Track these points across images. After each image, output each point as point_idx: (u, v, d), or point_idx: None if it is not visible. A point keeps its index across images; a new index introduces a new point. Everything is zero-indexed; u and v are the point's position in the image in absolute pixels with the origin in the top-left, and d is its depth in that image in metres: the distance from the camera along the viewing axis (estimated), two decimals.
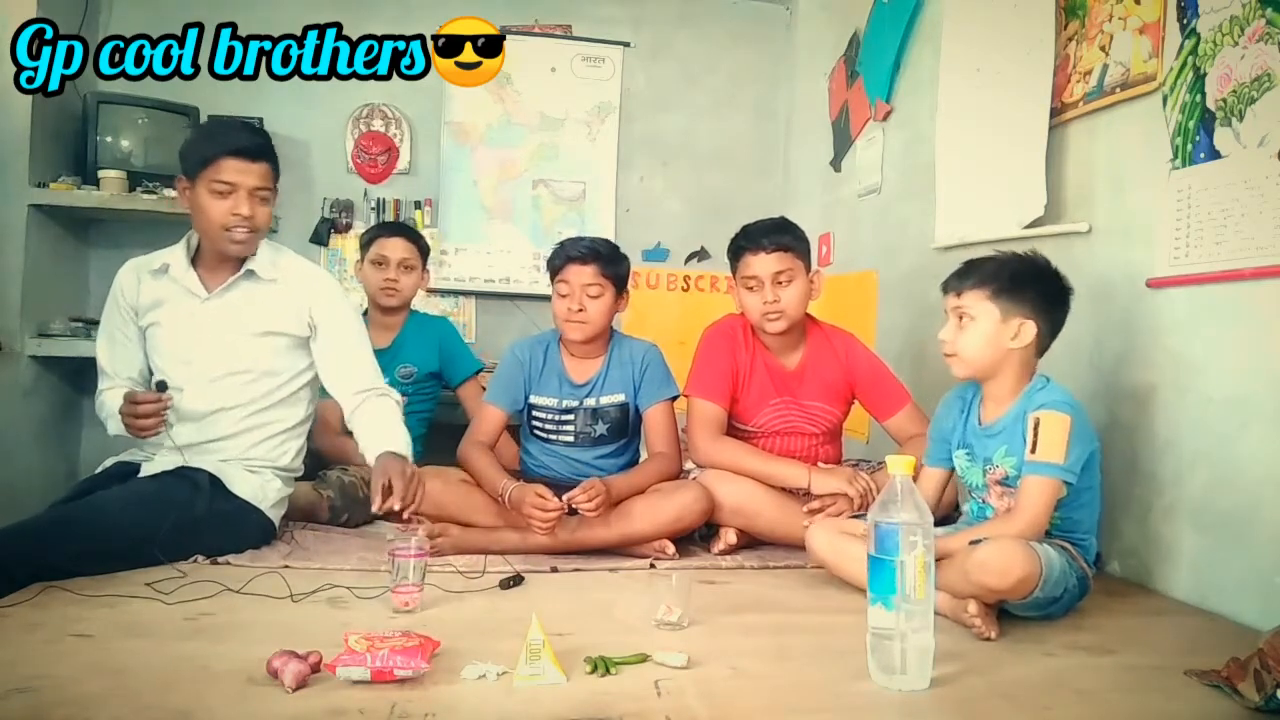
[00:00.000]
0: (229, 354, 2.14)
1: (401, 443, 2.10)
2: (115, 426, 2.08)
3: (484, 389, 3.01)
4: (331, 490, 2.48)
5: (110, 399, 2.14)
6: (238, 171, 2.07)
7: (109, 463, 2.20)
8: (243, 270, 2.16)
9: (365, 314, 2.94)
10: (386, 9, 3.85)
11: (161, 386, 2.03)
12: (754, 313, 2.40)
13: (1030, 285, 1.84)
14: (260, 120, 3.68)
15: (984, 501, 1.91)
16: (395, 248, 2.94)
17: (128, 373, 2.20)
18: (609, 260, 2.41)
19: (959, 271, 1.90)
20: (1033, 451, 1.73)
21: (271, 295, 2.18)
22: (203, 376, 2.13)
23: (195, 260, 2.19)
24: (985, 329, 1.83)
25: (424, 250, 3.03)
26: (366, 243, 3.01)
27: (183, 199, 2.13)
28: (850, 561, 1.86)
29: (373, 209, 3.95)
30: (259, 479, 2.16)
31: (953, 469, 1.98)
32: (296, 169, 3.89)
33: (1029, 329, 1.83)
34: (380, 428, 2.14)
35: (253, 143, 2.11)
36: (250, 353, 2.16)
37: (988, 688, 1.40)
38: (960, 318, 1.86)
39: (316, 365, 2.24)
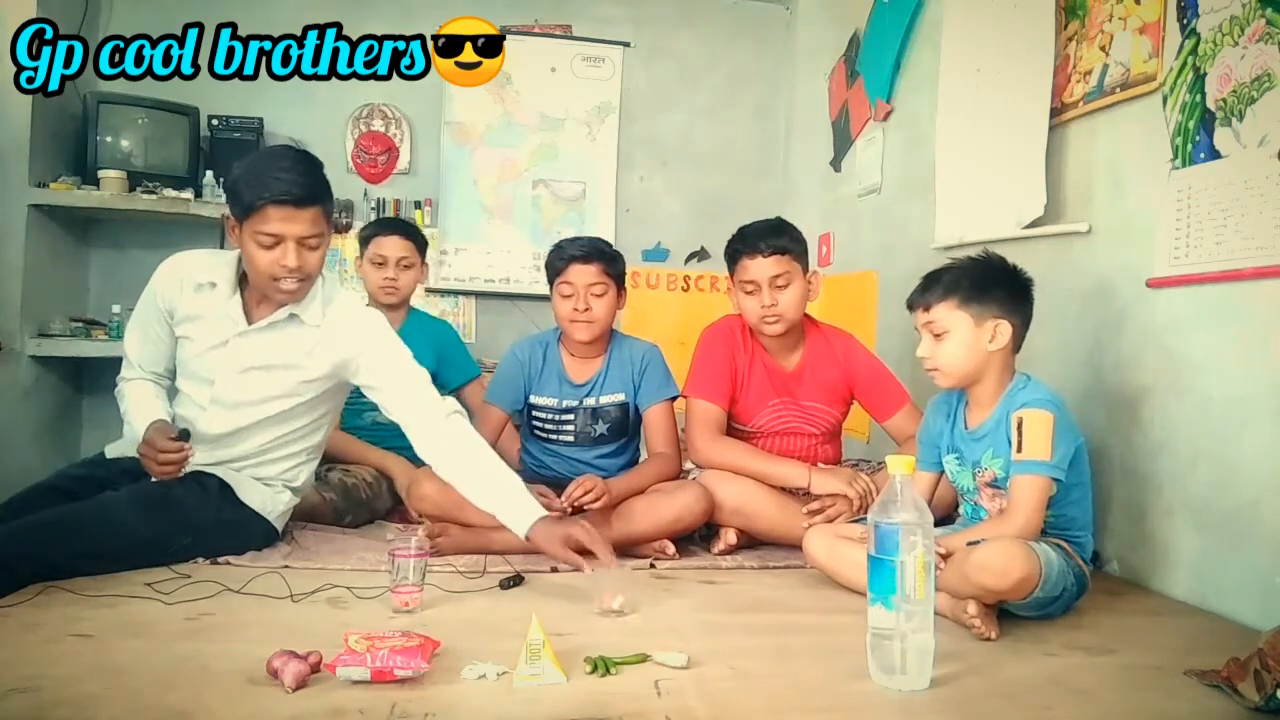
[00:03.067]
0: (255, 385, 2.05)
1: (521, 488, 1.95)
2: (129, 433, 2.04)
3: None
4: (334, 493, 2.47)
5: (130, 396, 2.09)
6: (283, 221, 1.89)
7: (125, 451, 2.10)
8: (286, 314, 2.03)
9: None
10: (386, 9, 3.85)
11: (185, 435, 1.93)
12: (752, 316, 2.40)
13: (995, 285, 1.85)
14: (260, 121, 3.70)
15: (976, 504, 1.92)
16: (393, 246, 2.88)
17: (153, 368, 2.13)
18: (611, 259, 2.42)
19: (921, 287, 1.90)
20: (1018, 451, 1.74)
21: (312, 339, 2.06)
22: (224, 401, 2.05)
23: (242, 282, 2.06)
24: (963, 338, 1.84)
25: (422, 246, 2.98)
26: (365, 240, 2.96)
27: (231, 236, 1.98)
28: (848, 566, 1.87)
29: (373, 209, 3.95)
30: (270, 490, 2.13)
31: (942, 472, 1.99)
32: None
33: (1004, 329, 1.83)
34: (495, 482, 1.96)
35: (300, 190, 1.90)
36: (277, 387, 2.07)
37: (988, 688, 1.40)
38: (934, 334, 1.86)
39: (380, 406, 2.10)
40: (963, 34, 2.74)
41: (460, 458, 2.00)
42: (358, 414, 2.76)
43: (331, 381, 2.12)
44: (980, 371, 1.86)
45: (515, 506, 1.92)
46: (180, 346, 2.11)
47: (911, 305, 1.92)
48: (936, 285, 1.87)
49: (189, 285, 2.06)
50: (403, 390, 2.07)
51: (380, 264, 2.88)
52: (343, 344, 2.07)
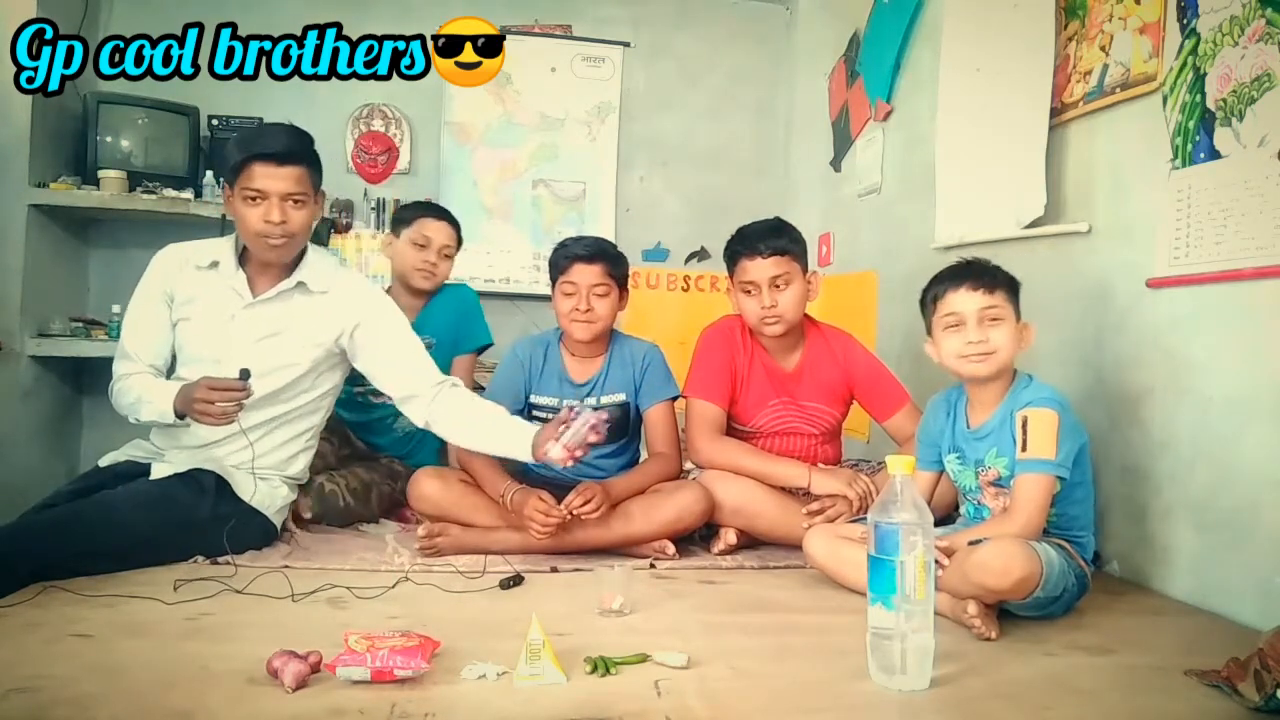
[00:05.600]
0: (262, 358, 2.07)
1: (526, 429, 2.10)
2: (150, 412, 2.01)
3: (476, 365, 2.94)
4: (311, 498, 2.41)
5: (138, 384, 2.06)
6: (266, 177, 2.02)
7: (117, 458, 2.15)
8: (294, 283, 2.14)
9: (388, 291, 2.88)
10: (386, 9, 3.85)
11: (245, 375, 1.94)
12: (752, 317, 2.40)
13: (1017, 291, 1.88)
14: (260, 120, 3.69)
15: (979, 503, 1.92)
16: (440, 232, 2.82)
17: (151, 359, 2.13)
18: (614, 259, 2.42)
19: (971, 272, 1.86)
20: (1023, 450, 1.74)
21: (316, 307, 2.15)
22: (231, 377, 2.04)
23: (242, 260, 2.16)
24: (1011, 330, 1.84)
25: (461, 239, 2.96)
26: (407, 219, 2.85)
27: (227, 206, 2.11)
28: (849, 567, 1.87)
29: (373, 209, 3.94)
30: (267, 485, 2.15)
31: (942, 471, 1.99)
32: None
33: (1030, 332, 1.86)
34: (497, 422, 2.14)
35: (281, 147, 2.04)
36: (286, 354, 2.13)
37: (988, 688, 1.40)
38: (992, 319, 1.83)
39: (373, 377, 2.22)
40: (963, 34, 2.74)
41: (461, 423, 2.17)
42: (387, 429, 2.76)
43: (338, 350, 2.19)
44: (1008, 368, 1.86)
45: (516, 442, 2.09)
46: (179, 331, 2.14)
47: (955, 288, 1.85)
48: (988, 273, 1.85)
49: (189, 267, 2.14)
50: (398, 363, 2.20)
51: (423, 246, 2.80)
52: (349, 307, 2.18)
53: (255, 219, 2.04)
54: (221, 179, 2.11)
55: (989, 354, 1.82)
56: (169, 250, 2.19)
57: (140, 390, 2.05)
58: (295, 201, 2.06)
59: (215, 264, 2.14)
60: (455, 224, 2.92)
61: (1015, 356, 1.85)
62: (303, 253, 2.18)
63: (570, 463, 1.96)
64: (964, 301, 1.84)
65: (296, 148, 2.07)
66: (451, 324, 2.89)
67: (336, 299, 2.17)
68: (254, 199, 2.03)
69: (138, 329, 2.14)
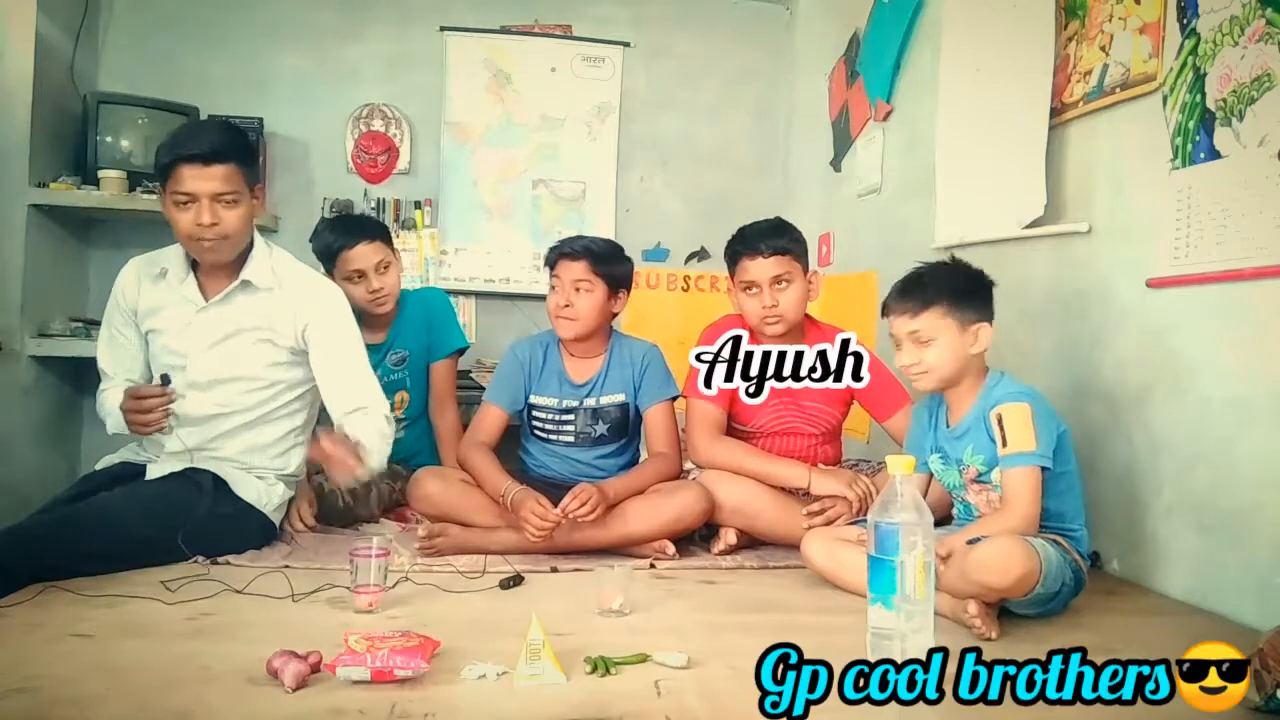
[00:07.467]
0: (223, 362, 2.10)
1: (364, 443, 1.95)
2: (115, 424, 2.07)
3: (457, 370, 2.88)
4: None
5: (111, 397, 2.12)
6: (194, 179, 1.97)
7: (112, 460, 2.18)
8: (239, 282, 2.11)
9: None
10: (387, 7, 3.85)
11: (165, 380, 1.98)
12: (753, 317, 2.40)
13: (973, 291, 1.89)
14: (260, 121, 3.69)
15: (965, 500, 1.95)
16: (365, 255, 2.62)
17: (127, 374, 2.17)
18: (600, 258, 2.40)
19: (900, 294, 1.89)
20: (1004, 446, 1.77)
21: (268, 304, 2.13)
22: (198, 382, 2.09)
23: (194, 265, 2.14)
24: (949, 343, 1.85)
25: (389, 238, 2.74)
26: (330, 255, 2.63)
27: (165, 210, 2.07)
28: (848, 570, 1.88)
29: (372, 209, 3.94)
30: (263, 483, 2.16)
31: (931, 475, 2.01)
32: (296, 169, 3.89)
33: (985, 332, 1.87)
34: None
35: (208, 147, 1.97)
36: (246, 361, 2.12)
37: None
38: (920, 341, 1.86)
39: (315, 375, 2.18)
40: (963, 34, 2.74)
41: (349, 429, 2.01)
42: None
43: (294, 344, 2.15)
44: (962, 374, 1.89)
45: None
46: (151, 342, 2.16)
47: (890, 312, 1.91)
48: (918, 293, 1.87)
49: (145, 279, 2.15)
50: (327, 378, 2.14)
51: (359, 278, 2.64)
52: (300, 305, 2.14)
53: (187, 223, 2.00)
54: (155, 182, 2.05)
55: (924, 373, 1.88)
56: (128, 265, 2.20)
57: (110, 404, 2.10)
58: (226, 201, 2.01)
59: (165, 272, 2.13)
60: (375, 232, 2.70)
61: (967, 361, 1.86)
62: (251, 249, 2.13)
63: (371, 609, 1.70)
64: (896, 325, 1.90)
65: (222, 145, 2.00)
66: (421, 332, 2.83)
67: (286, 295, 2.13)
68: (184, 203, 1.99)
69: (108, 348, 2.19)
